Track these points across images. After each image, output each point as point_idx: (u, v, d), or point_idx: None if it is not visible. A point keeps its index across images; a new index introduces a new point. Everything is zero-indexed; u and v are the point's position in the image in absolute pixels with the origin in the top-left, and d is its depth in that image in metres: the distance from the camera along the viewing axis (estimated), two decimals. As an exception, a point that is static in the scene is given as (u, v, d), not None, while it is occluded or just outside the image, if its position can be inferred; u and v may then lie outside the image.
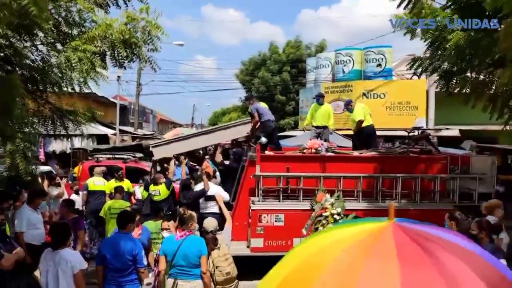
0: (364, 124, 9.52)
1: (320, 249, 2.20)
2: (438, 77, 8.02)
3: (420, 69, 8.62)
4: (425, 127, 16.40)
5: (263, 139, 8.66)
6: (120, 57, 5.22)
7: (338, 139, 11.56)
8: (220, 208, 7.40)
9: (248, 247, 7.99)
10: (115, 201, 8.37)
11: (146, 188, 8.80)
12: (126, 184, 10.25)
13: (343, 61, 18.29)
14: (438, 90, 7.87)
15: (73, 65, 4.92)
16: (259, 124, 9.36)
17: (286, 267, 2.27)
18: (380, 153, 8.64)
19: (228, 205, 8.04)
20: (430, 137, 9.24)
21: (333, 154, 8.53)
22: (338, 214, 7.61)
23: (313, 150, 8.42)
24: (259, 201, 8.00)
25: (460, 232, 4.92)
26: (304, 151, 8.51)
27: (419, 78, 17.86)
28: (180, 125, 45.34)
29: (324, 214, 7.62)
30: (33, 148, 5.08)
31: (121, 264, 4.55)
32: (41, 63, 5.61)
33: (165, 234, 5.84)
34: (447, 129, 17.40)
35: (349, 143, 10.75)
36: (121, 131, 22.66)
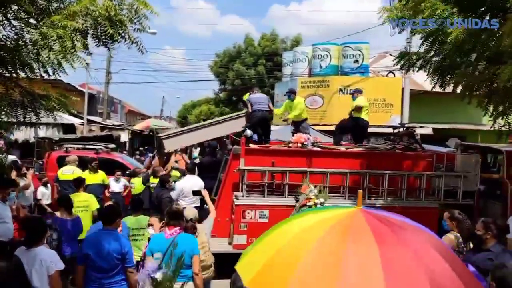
0: (362, 116, 9.28)
1: (297, 235, 2.36)
2: (428, 72, 7.85)
3: (406, 64, 8.47)
4: (400, 125, 16.50)
5: (248, 132, 8.35)
6: (104, 36, 4.72)
7: (315, 135, 11.32)
8: (201, 201, 7.09)
9: (230, 244, 7.66)
10: (77, 194, 7.58)
11: (145, 181, 8.37)
12: (100, 176, 9.75)
13: (321, 55, 18.11)
14: (432, 86, 7.66)
15: (51, 43, 4.39)
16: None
17: (265, 251, 2.41)
18: (366, 149, 8.47)
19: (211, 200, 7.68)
20: (415, 134, 9.09)
21: (319, 149, 8.30)
22: (321, 204, 7.37)
23: (299, 145, 8.17)
24: (243, 196, 7.67)
25: (460, 232, 4.74)
26: (290, 145, 8.24)
27: (394, 75, 18.09)
28: (149, 117, 44.40)
29: (308, 204, 7.35)
30: (5, 135, 4.55)
31: (107, 264, 4.10)
32: (12, 41, 5.04)
33: (151, 230, 5.40)
34: (421, 127, 17.53)
35: (326, 139, 10.54)
36: (89, 121, 21.78)
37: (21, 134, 17.22)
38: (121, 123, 27.79)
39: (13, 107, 5.59)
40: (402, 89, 17.33)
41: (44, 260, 4.02)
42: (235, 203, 7.61)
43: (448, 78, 6.92)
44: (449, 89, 7.84)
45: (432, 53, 6.76)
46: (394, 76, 18.06)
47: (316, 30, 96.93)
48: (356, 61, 17.56)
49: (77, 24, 4.43)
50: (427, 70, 7.89)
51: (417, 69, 8.28)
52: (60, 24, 4.44)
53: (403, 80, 17.49)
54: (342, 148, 8.55)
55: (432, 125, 18.31)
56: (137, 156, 17.64)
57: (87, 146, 11.73)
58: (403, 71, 17.79)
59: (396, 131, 9.51)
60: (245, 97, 9.48)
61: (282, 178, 7.81)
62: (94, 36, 4.79)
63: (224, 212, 7.87)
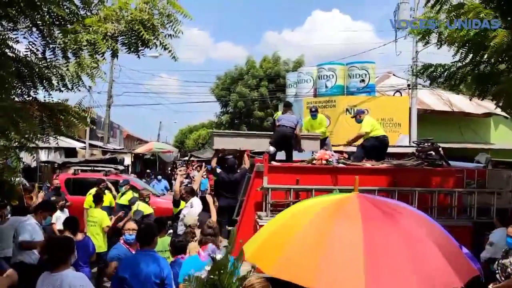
0: (377, 133, 9.13)
1: (294, 214, 2.69)
2: (455, 83, 7.61)
3: (431, 77, 8.25)
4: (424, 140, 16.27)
5: (271, 148, 8.03)
6: (135, 42, 4.39)
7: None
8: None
9: (253, 268, 7.21)
10: (93, 209, 8.16)
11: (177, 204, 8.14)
12: (108, 198, 9.48)
13: (326, 76, 17.95)
14: (469, 97, 7.39)
15: (85, 48, 4.05)
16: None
17: (265, 231, 2.83)
18: (393, 165, 8.15)
19: (232, 221, 7.38)
20: (440, 149, 8.82)
21: (344, 165, 7.98)
22: None
23: (324, 161, 7.84)
24: (267, 216, 7.29)
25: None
26: (314, 162, 7.91)
27: (401, 95, 17.95)
28: (146, 142, 44.06)
29: None
30: (29, 145, 4.18)
31: (144, 289, 3.67)
32: (37, 53, 4.70)
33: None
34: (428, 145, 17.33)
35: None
36: (91, 145, 21.39)
37: (23, 159, 16.79)
38: (122, 147, 27.41)
39: (31, 123, 5.20)
40: (409, 109, 17.18)
41: (73, 285, 3.58)
42: (259, 224, 7.23)
43: (488, 87, 6.64)
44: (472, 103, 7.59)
45: (467, 61, 6.50)
46: (401, 95, 17.92)
47: (312, 55, 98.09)
48: (362, 80, 17.41)
49: (111, 28, 4.10)
50: (454, 82, 7.66)
51: (442, 80, 8.05)
52: (92, 29, 4.11)
53: (410, 99, 17.36)
54: (368, 165, 8.21)
55: (440, 145, 18.10)
56: (145, 179, 17.27)
57: (95, 168, 11.38)
58: (410, 90, 17.80)
59: (420, 146, 9.23)
60: (276, 115, 9.38)
61: (308, 197, 7.43)
62: (125, 42, 4.46)
63: (247, 234, 7.43)
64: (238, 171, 8.65)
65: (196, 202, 8.01)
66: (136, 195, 9.23)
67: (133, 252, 4.53)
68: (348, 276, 2.21)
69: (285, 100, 22.83)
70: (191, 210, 7.77)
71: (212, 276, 3.01)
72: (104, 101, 23.40)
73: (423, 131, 17.31)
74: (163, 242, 5.66)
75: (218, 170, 8.97)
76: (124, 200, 9.42)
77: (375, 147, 9.05)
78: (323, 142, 9.45)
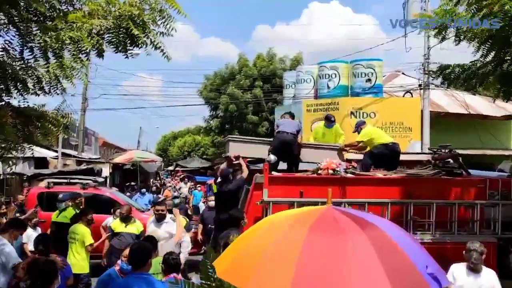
0: (382, 141, 9.27)
1: (266, 230, 2.97)
2: (475, 86, 7.71)
3: (448, 79, 8.35)
4: (419, 151, 16.34)
5: (272, 157, 8.06)
6: (124, 40, 4.40)
7: None
8: None
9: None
10: (76, 225, 8.13)
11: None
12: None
13: (328, 75, 18.03)
14: (493, 98, 7.46)
15: (68, 47, 4.06)
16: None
17: (237, 245, 3.09)
18: (408, 174, 8.22)
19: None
20: (459, 157, 8.89)
21: (353, 176, 8.04)
22: None
23: (330, 171, 7.89)
24: (268, 233, 7.27)
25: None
26: (320, 172, 7.96)
27: (412, 96, 18.07)
28: (125, 150, 43.97)
29: None
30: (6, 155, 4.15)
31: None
32: (14, 53, 4.70)
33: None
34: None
35: None
36: (64, 154, 21.27)
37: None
38: (98, 157, 27.29)
39: (8, 131, 5.19)
40: (421, 111, 17.30)
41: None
42: (260, 242, 7.22)
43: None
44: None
45: (489, 59, 6.58)
46: (412, 96, 18.04)
47: (310, 52, 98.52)
48: (369, 80, 17.50)
49: (97, 24, 4.10)
50: (475, 83, 7.75)
51: (461, 82, 8.14)
52: (75, 25, 4.11)
53: (422, 100, 17.49)
54: (380, 175, 8.26)
55: (457, 150, 18.23)
56: (128, 193, 17.22)
57: (71, 181, 11.33)
58: (421, 91, 17.94)
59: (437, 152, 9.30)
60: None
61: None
62: (112, 39, 4.46)
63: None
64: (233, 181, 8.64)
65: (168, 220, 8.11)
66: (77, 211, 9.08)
67: None
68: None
69: (282, 101, 23.14)
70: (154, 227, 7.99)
71: None
72: (78, 104, 23.33)
73: (437, 136, 17.42)
74: (155, 263, 5.63)
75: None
76: (62, 217, 9.19)
77: (384, 155, 9.11)
78: None
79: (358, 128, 9.87)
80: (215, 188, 9.68)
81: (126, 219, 8.60)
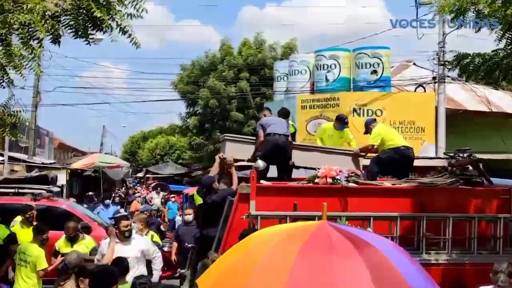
0: (390, 145, 9.33)
1: (253, 244, 3.27)
2: (499, 78, 7.82)
3: (466, 70, 8.47)
4: (434, 155, 16.46)
5: (260, 163, 8.08)
6: (85, 22, 4.39)
7: None
8: None
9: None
10: (30, 244, 8.13)
11: None
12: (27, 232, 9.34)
13: (327, 65, 18.10)
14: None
15: (17, 32, 4.04)
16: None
17: (223, 262, 3.35)
18: (420, 184, 8.30)
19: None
20: (479, 163, 9.00)
21: (356, 185, 8.13)
22: None
23: (329, 180, 7.94)
24: (255, 253, 7.30)
25: None
26: (317, 180, 8.02)
27: (425, 90, 18.21)
28: (84, 153, 43.84)
29: None
30: None
31: None
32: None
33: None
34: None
35: None
36: (10, 158, 21.12)
37: None
38: (53, 161, 27.13)
39: None
40: (436, 108, 17.44)
41: None
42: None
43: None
44: None
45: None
46: (425, 91, 18.18)
47: (306, 38, 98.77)
48: (374, 71, 17.60)
49: (52, 5, 4.08)
50: (498, 75, 7.86)
51: (482, 74, 8.25)
52: (26, 7, 4.09)
53: (437, 96, 17.62)
54: (387, 184, 8.33)
55: (477, 155, 18.39)
56: (86, 205, 17.12)
57: (20, 191, 11.30)
58: (436, 84, 18.10)
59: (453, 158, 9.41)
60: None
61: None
62: (70, 23, 4.44)
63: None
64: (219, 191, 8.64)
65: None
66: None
67: None
68: None
69: (272, 96, 23.14)
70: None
71: None
72: (29, 99, 23.13)
73: (453, 138, 17.54)
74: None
75: None
76: None
77: (394, 160, 9.19)
78: None
79: (368, 127, 9.95)
80: (198, 199, 9.66)
81: (73, 238, 8.64)
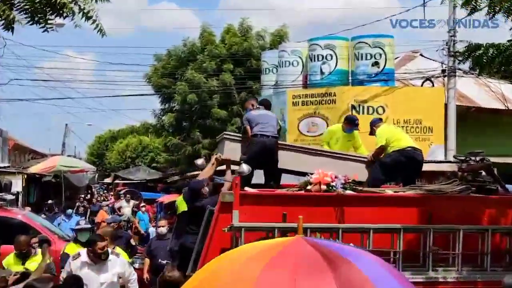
0: (395, 147, 9.40)
1: (226, 260, 3.62)
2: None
3: (480, 63, 8.55)
4: (443, 159, 16.53)
5: (245, 167, 8.08)
6: (43, 7, 4.37)
7: None
8: None
9: None
10: None
11: None
12: None
13: (322, 56, 18.18)
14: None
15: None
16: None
17: (196, 279, 3.67)
18: (427, 191, 8.34)
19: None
20: (493, 168, 9.06)
21: (354, 193, 8.12)
22: None
23: (323, 187, 7.94)
24: (239, 270, 7.31)
25: None
26: (309, 187, 8.02)
27: (433, 85, 18.28)
28: (44, 155, 43.58)
29: None
30: None
31: None
32: None
33: None
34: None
35: None
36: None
37: None
38: (6, 165, 26.90)
39: None
40: (445, 106, 17.52)
41: None
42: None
43: None
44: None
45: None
46: (433, 85, 18.26)
47: (299, 25, 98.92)
48: (376, 63, 17.72)
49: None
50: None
51: (496, 69, 8.32)
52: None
53: (446, 91, 17.71)
54: (389, 191, 8.36)
55: (491, 159, 18.49)
56: (44, 215, 17.03)
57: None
58: (446, 78, 18.16)
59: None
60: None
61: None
62: (26, 7, 4.42)
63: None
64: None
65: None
66: None
67: None
68: None
69: (259, 90, 23.05)
70: None
71: None
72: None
73: (465, 139, 17.65)
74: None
75: None
76: None
77: (399, 164, 9.22)
78: None
79: (372, 128, 10.05)
80: (181, 205, 9.60)
81: (25, 254, 8.60)
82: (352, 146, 10.69)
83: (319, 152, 9.93)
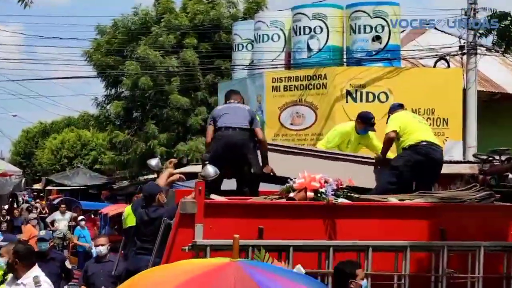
0: (408, 142, 9.39)
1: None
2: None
3: (506, 37, 8.65)
4: (461, 159, 16.64)
5: (210, 170, 8.05)
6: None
7: None
8: None
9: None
10: None
11: None
12: None
13: (309, 28, 18.28)
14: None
15: None
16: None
17: None
18: (441, 199, 8.41)
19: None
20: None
21: (348, 201, 8.16)
22: None
23: (310, 194, 7.97)
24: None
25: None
26: (292, 195, 8.04)
27: (448, 65, 18.39)
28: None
29: None
30: None
31: None
32: None
33: None
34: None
35: None
36: None
37: None
38: None
39: None
40: (464, 91, 17.62)
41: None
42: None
43: None
44: None
45: None
46: (448, 66, 18.37)
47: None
48: (377, 37, 17.82)
49: None
50: None
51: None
52: None
53: (465, 74, 17.81)
54: (393, 200, 8.41)
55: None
56: None
57: None
58: (465, 57, 18.25)
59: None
60: None
61: (281, 261, 7.51)
62: None
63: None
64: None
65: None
66: None
67: None
68: None
69: (230, 72, 22.93)
70: None
71: None
72: None
73: (488, 133, 17.81)
74: None
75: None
76: None
77: (416, 166, 9.25)
78: None
79: (389, 115, 10.11)
80: (130, 219, 9.52)
81: None
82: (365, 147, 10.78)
83: (307, 152, 10.02)
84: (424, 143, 9.42)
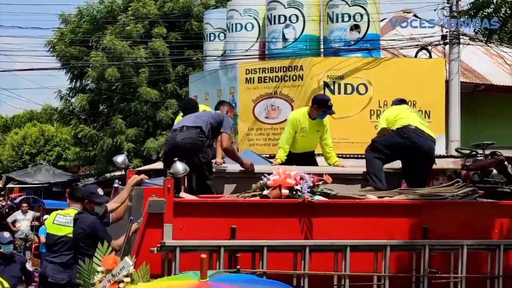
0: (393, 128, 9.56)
1: None
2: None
3: (489, 25, 8.71)
4: (444, 153, 16.73)
5: (179, 166, 8.01)
6: None
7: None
8: None
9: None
10: None
11: None
12: None
13: (284, 17, 18.29)
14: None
15: None
16: None
17: None
18: (422, 196, 8.45)
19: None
20: (506, 164, 9.19)
21: (325, 199, 8.18)
22: None
23: (285, 191, 7.97)
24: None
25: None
26: (266, 192, 8.05)
27: (430, 56, 18.45)
28: None
29: None
30: None
31: None
32: None
33: None
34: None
35: None
36: None
37: None
38: None
39: None
40: (446, 83, 17.69)
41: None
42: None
43: None
44: None
45: None
46: (430, 56, 18.45)
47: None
48: (356, 27, 17.85)
49: None
50: None
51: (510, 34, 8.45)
52: None
53: (447, 64, 17.90)
54: (373, 197, 8.45)
55: (502, 151, 18.79)
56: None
57: None
58: (447, 47, 18.31)
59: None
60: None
61: (255, 263, 7.61)
62: None
63: None
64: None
65: None
66: None
67: None
68: None
69: (201, 63, 22.95)
70: None
71: None
72: None
73: (471, 126, 17.89)
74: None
75: None
76: None
77: (397, 146, 9.36)
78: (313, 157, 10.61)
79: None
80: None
81: None
82: (320, 137, 10.59)
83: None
84: (412, 127, 9.45)
